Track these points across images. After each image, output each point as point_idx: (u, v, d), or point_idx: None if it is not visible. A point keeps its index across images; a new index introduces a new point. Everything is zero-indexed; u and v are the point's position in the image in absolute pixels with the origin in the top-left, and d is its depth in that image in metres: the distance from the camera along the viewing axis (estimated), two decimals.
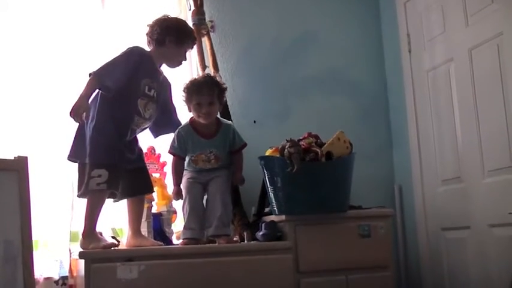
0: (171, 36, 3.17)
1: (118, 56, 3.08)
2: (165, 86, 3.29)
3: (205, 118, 3.19)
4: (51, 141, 3.46)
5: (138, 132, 3.16)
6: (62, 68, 3.55)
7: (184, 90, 3.24)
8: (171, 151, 3.27)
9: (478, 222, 3.37)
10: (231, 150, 3.31)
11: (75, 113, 2.87)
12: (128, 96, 3.05)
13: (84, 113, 2.91)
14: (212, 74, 3.60)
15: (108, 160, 2.96)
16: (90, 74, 2.98)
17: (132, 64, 3.06)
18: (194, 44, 3.36)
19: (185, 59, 3.30)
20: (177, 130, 3.27)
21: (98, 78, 2.98)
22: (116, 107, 3.02)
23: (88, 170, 2.96)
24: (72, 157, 3.06)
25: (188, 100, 3.22)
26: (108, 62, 3.04)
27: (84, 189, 2.97)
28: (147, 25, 3.22)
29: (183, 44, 3.22)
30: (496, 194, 3.22)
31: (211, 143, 3.24)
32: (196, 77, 3.37)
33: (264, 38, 4.08)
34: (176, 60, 3.25)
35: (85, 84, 2.96)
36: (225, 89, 3.30)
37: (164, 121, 3.30)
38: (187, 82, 3.27)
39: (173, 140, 3.26)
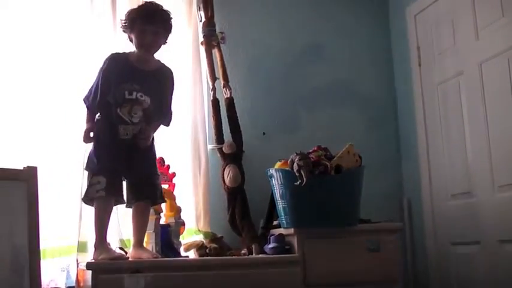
0: (126, 23, 3.11)
1: (98, 73, 3.10)
2: (158, 79, 3.14)
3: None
4: (60, 151, 3.46)
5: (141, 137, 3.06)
6: (72, 79, 3.54)
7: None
8: None
9: (489, 237, 3.34)
10: None
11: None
12: (109, 108, 3.04)
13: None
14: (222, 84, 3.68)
15: (105, 167, 2.97)
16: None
17: (106, 74, 3.05)
18: (146, 19, 3.06)
19: (145, 40, 3.05)
20: None
21: (85, 102, 3.12)
22: (104, 120, 3.07)
23: (88, 178, 3.03)
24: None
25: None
26: (92, 84, 3.11)
27: (85, 196, 3.02)
28: None
29: (134, 23, 3.07)
30: (507, 209, 3.20)
31: None
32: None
33: (273, 50, 4.08)
34: (139, 44, 3.08)
35: None
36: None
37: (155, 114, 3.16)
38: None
39: None
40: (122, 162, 3.01)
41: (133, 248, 3.10)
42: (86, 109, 3.12)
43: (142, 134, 3.04)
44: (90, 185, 2.98)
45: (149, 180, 3.10)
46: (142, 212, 3.10)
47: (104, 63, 3.10)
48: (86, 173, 3.13)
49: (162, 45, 3.16)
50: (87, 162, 3.07)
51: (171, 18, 3.15)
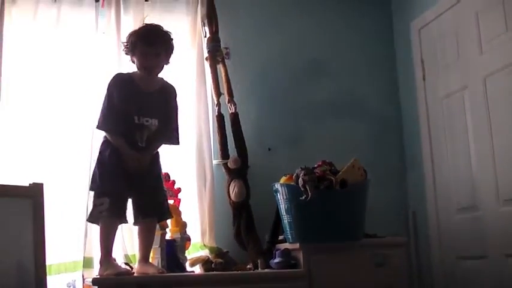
0: (127, 45, 3.12)
1: (105, 97, 3.09)
2: (163, 98, 3.16)
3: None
4: (66, 167, 3.47)
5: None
6: (77, 97, 3.57)
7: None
8: None
9: (495, 251, 3.33)
10: None
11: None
12: (123, 128, 3.05)
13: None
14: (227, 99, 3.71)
15: (108, 189, 2.97)
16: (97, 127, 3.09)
17: (114, 95, 3.06)
18: (147, 41, 3.07)
19: (146, 62, 3.07)
20: None
21: (102, 129, 3.07)
22: (110, 143, 3.05)
23: (93, 199, 3.03)
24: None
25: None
26: (102, 109, 3.06)
27: (89, 216, 3.05)
28: None
29: (135, 46, 3.09)
30: None
31: None
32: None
33: (278, 65, 4.09)
34: (141, 67, 3.09)
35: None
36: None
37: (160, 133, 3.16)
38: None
39: None
40: (126, 183, 3.01)
41: (139, 264, 3.10)
42: (110, 135, 3.05)
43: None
44: (94, 205, 3.00)
45: (155, 197, 3.10)
46: (149, 229, 3.11)
47: (109, 85, 3.10)
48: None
49: (165, 66, 3.16)
50: (92, 182, 3.08)
51: (172, 39, 3.16)
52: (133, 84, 3.10)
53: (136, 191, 3.05)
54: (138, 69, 3.11)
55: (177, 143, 3.22)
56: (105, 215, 2.95)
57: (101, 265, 2.99)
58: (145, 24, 3.23)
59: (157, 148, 3.15)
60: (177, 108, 3.22)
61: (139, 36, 3.10)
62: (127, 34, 3.19)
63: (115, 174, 3.00)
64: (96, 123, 3.08)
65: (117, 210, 2.99)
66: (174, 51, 3.17)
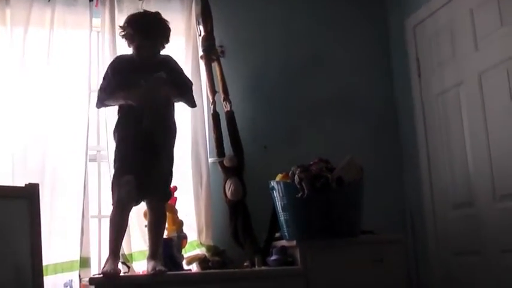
0: (126, 35, 3.20)
1: (106, 74, 3.18)
2: (163, 66, 3.22)
3: None
4: (61, 167, 3.46)
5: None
6: (72, 95, 3.57)
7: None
8: None
9: (491, 247, 3.34)
10: None
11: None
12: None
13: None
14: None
15: (131, 165, 2.99)
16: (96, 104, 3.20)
17: (117, 71, 3.14)
18: (145, 36, 3.16)
19: (144, 54, 3.18)
20: None
21: (98, 105, 3.18)
22: (125, 115, 3.12)
23: (116, 180, 3.01)
24: None
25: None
26: (102, 85, 3.16)
27: (117, 201, 2.99)
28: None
29: (133, 39, 3.17)
30: (509, 219, 3.20)
31: None
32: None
33: (273, 63, 4.09)
34: (138, 56, 3.19)
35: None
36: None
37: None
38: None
39: None
40: (147, 157, 3.03)
41: (146, 259, 3.11)
42: (112, 98, 3.14)
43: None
44: (119, 186, 2.97)
45: (161, 177, 3.11)
46: (155, 222, 3.12)
47: (112, 63, 3.21)
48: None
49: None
50: (114, 164, 3.09)
51: (169, 27, 3.23)
52: (134, 60, 3.18)
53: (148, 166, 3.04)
54: (135, 55, 3.19)
55: (194, 104, 3.31)
56: (133, 193, 2.95)
57: (107, 261, 2.98)
58: (143, 13, 3.30)
59: (169, 92, 3.17)
60: (180, 69, 3.31)
61: (137, 30, 3.16)
62: (126, 19, 3.24)
63: (135, 148, 3.02)
64: (96, 103, 3.16)
65: (144, 186, 2.99)
66: (171, 36, 3.25)
